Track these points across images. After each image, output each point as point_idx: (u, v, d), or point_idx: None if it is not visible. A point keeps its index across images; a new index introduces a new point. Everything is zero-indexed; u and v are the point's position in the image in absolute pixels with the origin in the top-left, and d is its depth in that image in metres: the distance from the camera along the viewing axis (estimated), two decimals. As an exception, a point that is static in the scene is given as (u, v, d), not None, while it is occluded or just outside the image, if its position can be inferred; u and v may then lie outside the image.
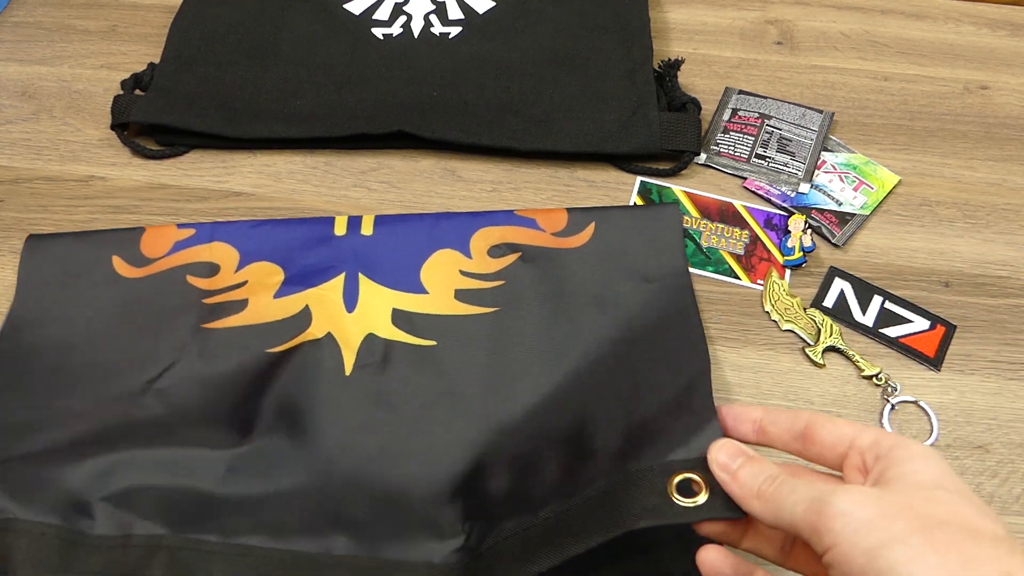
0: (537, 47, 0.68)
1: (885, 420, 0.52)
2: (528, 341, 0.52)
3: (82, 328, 0.53)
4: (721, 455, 0.39)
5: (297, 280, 0.54)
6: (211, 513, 0.45)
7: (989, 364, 0.55)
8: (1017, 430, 0.52)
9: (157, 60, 0.67)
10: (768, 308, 0.57)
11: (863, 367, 0.54)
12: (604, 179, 0.63)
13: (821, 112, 0.66)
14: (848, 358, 0.55)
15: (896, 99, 0.68)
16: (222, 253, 0.56)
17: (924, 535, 0.31)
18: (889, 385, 0.53)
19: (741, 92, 0.68)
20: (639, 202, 0.62)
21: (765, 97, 0.67)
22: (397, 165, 0.64)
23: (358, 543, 0.44)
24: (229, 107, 0.64)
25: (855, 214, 0.61)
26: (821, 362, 0.54)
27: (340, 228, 0.57)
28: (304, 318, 0.53)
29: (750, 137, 0.65)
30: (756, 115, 0.66)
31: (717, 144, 0.64)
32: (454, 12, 0.71)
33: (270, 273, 0.55)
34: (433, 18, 0.71)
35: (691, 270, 0.58)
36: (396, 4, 0.72)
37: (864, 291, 0.57)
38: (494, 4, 0.72)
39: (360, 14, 0.71)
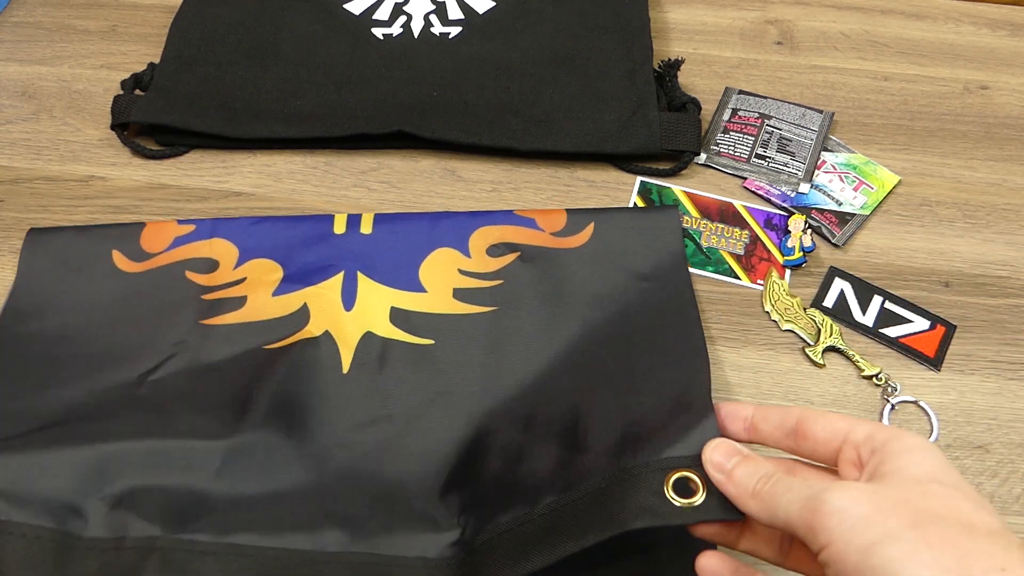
0: (537, 47, 0.68)
1: (885, 420, 0.52)
2: (526, 340, 0.52)
3: (79, 320, 0.53)
4: (716, 455, 0.38)
5: (296, 278, 0.54)
6: (205, 511, 0.45)
7: (989, 364, 0.55)
8: (1017, 430, 0.52)
9: (157, 60, 0.67)
10: (768, 308, 0.57)
11: (863, 367, 0.54)
12: (604, 179, 0.63)
13: (821, 112, 0.66)
14: (848, 358, 0.55)
15: (896, 99, 0.68)
16: (221, 249, 0.56)
17: (918, 531, 0.31)
18: (889, 385, 0.53)
19: (741, 92, 0.68)
20: (639, 202, 0.62)
21: (765, 97, 0.67)
22: (397, 165, 0.64)
23: (352, 539, 0.44)
24: (229, 107, 0.64)
25: (855, 214, 0.61)
26: (821, 362, 0.54)
27: (340, 226, 0.57)
28: (302, 316, 0.53)
29: (750, 137, 0.65)
30: (756, 115, 0.66)
31: (717, 144, 0.64)
32: (454, 12, 0.71)
33: (269, 270, 0.55)
34: (433, 18, 0.71)
35: (691, 270, 0.58)
36: (396, 4, 0.72)
37: (864, 291, 0.57)
38: (494, 4, 0.72)
39: (360, 14, 0.71)
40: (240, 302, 0.54)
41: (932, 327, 0.56)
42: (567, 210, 0.58)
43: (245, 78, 0.66)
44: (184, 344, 0.52)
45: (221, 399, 0.49)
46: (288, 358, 0.51)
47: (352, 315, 0.53)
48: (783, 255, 0.59)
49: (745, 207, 0.61)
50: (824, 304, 0.57)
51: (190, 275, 0.55)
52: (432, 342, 0.52)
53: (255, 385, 0.50)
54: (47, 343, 0.52)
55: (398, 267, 0.55)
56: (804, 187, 0.62)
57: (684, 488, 0.39)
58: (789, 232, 0.59)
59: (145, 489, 0.45)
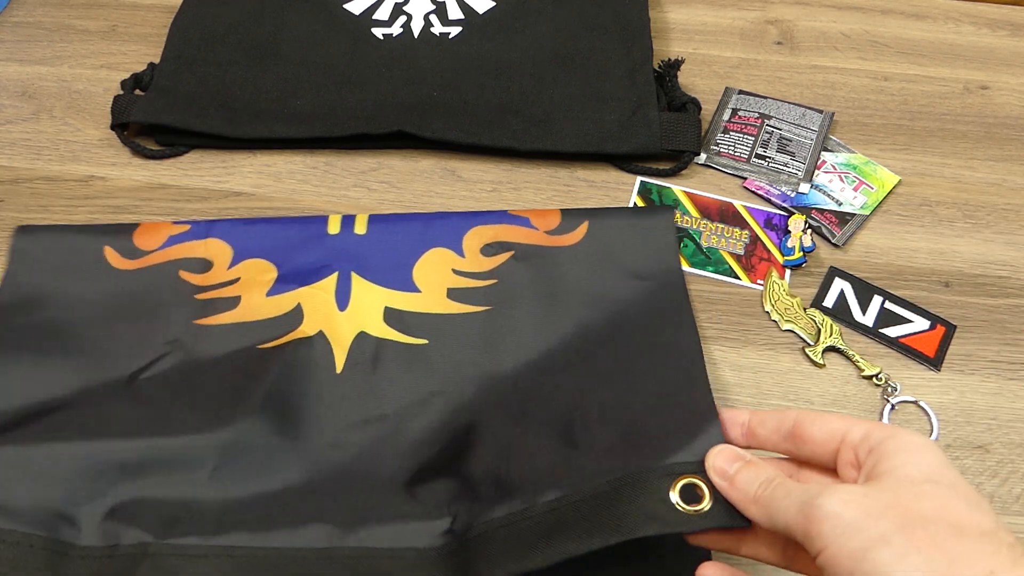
0: (537, 47, 0.68)
1: (885, 420, 0.52)
2: (520, 339, 0.52)
3: (70, 316, 0.53)
4: (719, 460, 0.38)
5: (290, 278, 0.54)
6: (196, 514, 0.45)
7: (989, 364, 0.55)
8: (1017, 430, 0.52)
9: (157, 60, 0.67)
10: (768, 308, 0.57)
11: (863, 367, 0.54)
12: (604, 179, 0.63)
13: (821, 112, 0.66)
14: (848, 358, 0.55)
15: (896, 99, 0.68)
16: (216, 249, 0.56)
17: (908, 534, 0.30)
18: (889, 385, 0.53)
19: (741, 92, 0.68)
20: (639, 202, 0.62)
21: (765, 97, 0.67)
22: (397, 165, 0.64)
23: (342, 535, 0.44)
24: (229, 107, 0.64)
25: (855, 214, 0.61)
26: (821, 362, 0.54)
27: (334, 227, 0.57)
28: (296, 316, 0.53)
29: (750, 137, 0.65)
30: (756, 115, 0.66)
31: (717, 144, 0.64)
32: (454, 12, 0.71)
33: (263, 270, 0.55)
34: (433, 18, 0.71)
35: (691, 270, 0.58)
36: (396, 4, 0.72)
37: (864, 291, 0.57)
38: (494, 4, 0.72)
39: (360, 14, 0.71)
40: (234, 302, 0.54)
41: (932, 327, 0.56)
42: (561, 209, 0.58)
43: (245, 78, 0.66)
44: (177, 343, 0.52)
45: (214, 399, 0.49)
46: (282, 358, 0.50)
47: (346, 315, 0.53)
48: (783, 255, 0.59)
49: (745, 207, 0.61)
50: (824, 304, 0.57)
51: (184, 275, 0.55)
52: (426, 342, 0.52)
53: (248, 385, 0.49)
54: (36, 340, 0.52)
55: (392, 267, 0.55)
56: (804, 187, 0.62)
57: (691, 495, 0.38)
58: (789, 232, 0.59)
59: (139, 495, 0.45)
